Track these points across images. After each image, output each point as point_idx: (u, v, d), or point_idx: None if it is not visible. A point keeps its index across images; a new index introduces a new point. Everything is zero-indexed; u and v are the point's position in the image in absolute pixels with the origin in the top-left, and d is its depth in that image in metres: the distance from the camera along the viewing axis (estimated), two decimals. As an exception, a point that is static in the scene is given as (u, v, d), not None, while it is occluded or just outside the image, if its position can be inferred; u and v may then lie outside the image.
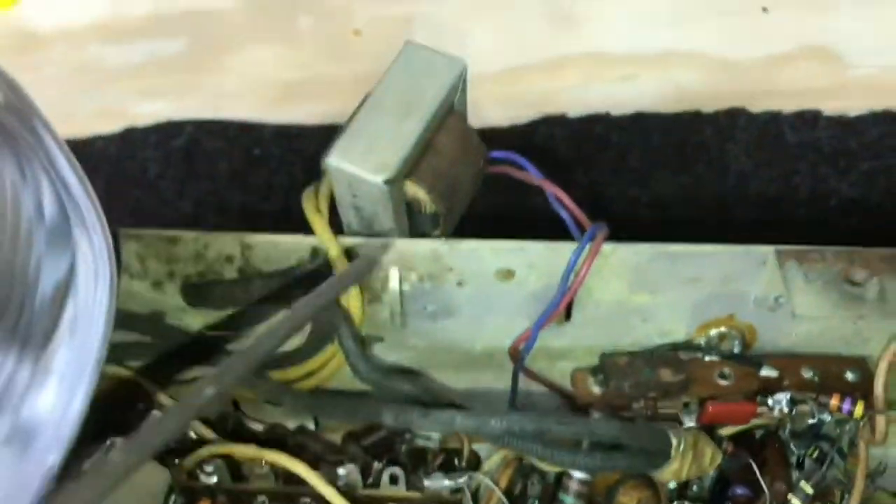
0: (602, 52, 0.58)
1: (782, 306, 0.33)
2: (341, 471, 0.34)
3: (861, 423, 0.33)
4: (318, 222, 0.34)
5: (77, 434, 0.24)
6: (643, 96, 0.56)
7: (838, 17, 0.57)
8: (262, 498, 0.33)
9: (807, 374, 0.33)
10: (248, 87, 0.61)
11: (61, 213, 0.27)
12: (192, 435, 0.36)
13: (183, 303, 0.36)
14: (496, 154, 0.36)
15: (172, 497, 0.33)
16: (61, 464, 0.24)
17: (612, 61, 0.57)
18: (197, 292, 0.35)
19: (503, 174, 0.36)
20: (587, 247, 0.32)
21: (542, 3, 0.60)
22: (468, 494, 0.33)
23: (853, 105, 0.55)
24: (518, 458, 0.34)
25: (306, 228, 0.35)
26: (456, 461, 0.37)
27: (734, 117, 0.55)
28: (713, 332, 0.35)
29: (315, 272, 0.34)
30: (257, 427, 0.38)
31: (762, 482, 0.33)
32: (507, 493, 0.34)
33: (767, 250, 0.32)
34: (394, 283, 0.34)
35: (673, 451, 0.30)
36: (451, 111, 0.34)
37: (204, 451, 0.34)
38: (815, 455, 0.34)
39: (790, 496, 0.32)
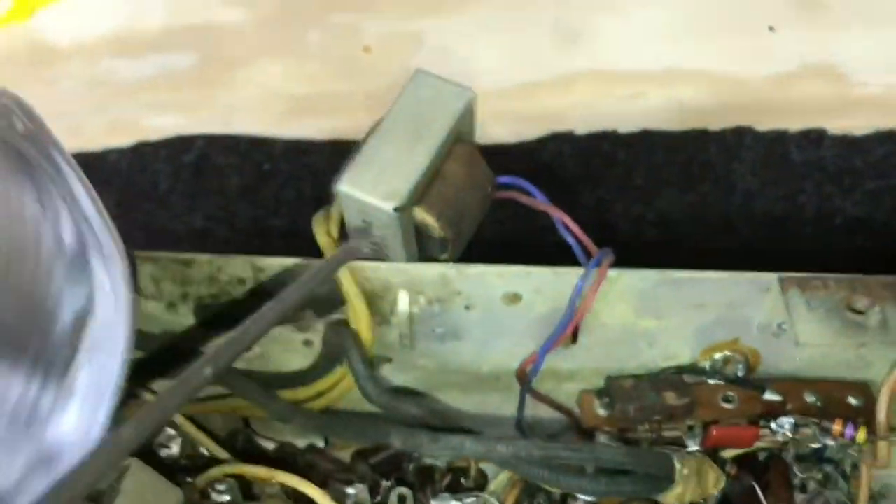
0: (609, 70, 0.58)
1: (785, 332, 0.33)
2: (350, 490, 0.35)
3: (863, 448, 0.33)
4: (329, 247, 0.35)
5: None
6: (650, 114, 0.57)
7: (845, 37, 0.57)
8: (272, 517, 0.34)
9: (810, 398, 0.34)
10: (259, 102, 0.62)
11: (80, 242, 0.27)
12: (205, 452, 0.37)
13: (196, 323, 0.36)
14: (503, 179, 0.36)
15: (184, 516, 0.34)
16: None
17: (619, 79, 0.58)
18: (210, 313, 0.36)
19: (510, 199, 0.36)
20: (593, 272, 0.33)
21: (549, 21, 0.61)
22: (475, 515, 0.34)
23: (859, 124, 0.55)
24: (524, 479, 0.35)
25: (314, 244, 0.36)
26: (463, 480, 0.37)
27: (740, 135, 0.55)
28: (717, 356, 0.35)
29: (325, 295, 0.35)
30: (267, 445, 0.39)
31: (765, 505, 0.33)
32: (514, 513, 0.34)
33: (771, 277, 0.33)
34: (403, 306, 0.35)
35: (677, 476, 0.31)
36: (459, 139, 0.35)
37: (216, 471, 0.35)
38: (818, 478, 0.35)
39: (793, 519, 0.33)
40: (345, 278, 0.33)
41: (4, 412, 0.25)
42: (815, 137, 0.55)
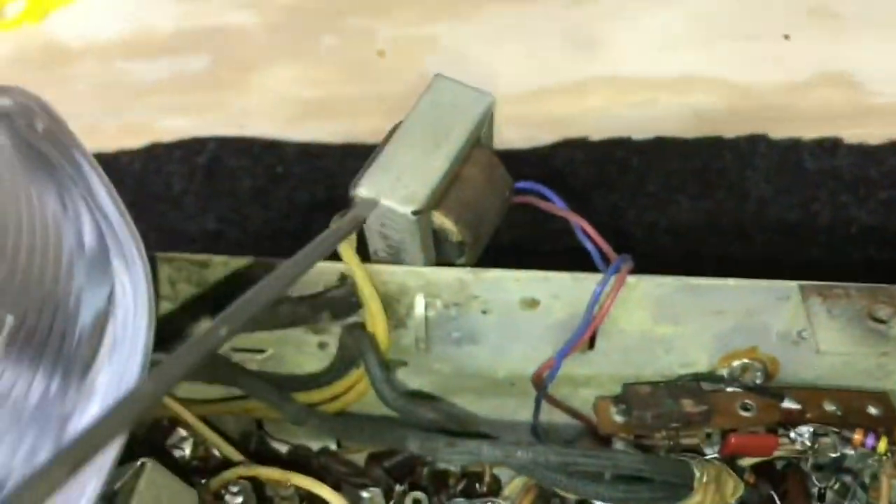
0: (623, 77, 0.58)
1: (805, 340, 0.33)
2: (365, 494, 0.35)
3: (884, 458, 0.33)
4: (346, 249, 0.34)
5: (119, 455, 0.25)
6: (664, 121, 0.57)
7: (860, 46, 0.57)
8: (286, 520, 0.34)
9: (829, 407, 0.33)
10: (272, 105, 0.62)
11: (100, 242, 0.27)
12: (217, 454, 0.37)
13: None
14: (521, 184, 0.36)
15: (198, 518, 0.34)
16: (101, 488, 0.24)
17: (633, 85, 0.58)
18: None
19: (527, 204, 0.36)
20: (612, 278, 0.33)
21: (563, 27, 0.61)
22: (490, 520, 0.33)
23: (873, 133, 0.55)
24: (538, 485, 0.35)
25: (332, 254, 0.36)
26: (477, 486, 0.37)
27: (755, 143, 0.55)
28: (735, 363, 0.35)
29: (342, 297, 0.35)
30: (280, 448, 0.39)
31: (783, 514, 0.33)
32: (528, 519, 0.34)
33: (791, 285, 0.33)
34: (419, 310, 0.35)
35: (696, 483, 0.30)
36: (478, 143, 0.35)
37: (230, 473, 0.34)
38: (836, 488, 0.34)
39: (812, 529, 0.33)
40: (362, 281, 0.33)
41: (26, 410, 0.25)
42: (829, 146, 0.55)
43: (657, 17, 0.60)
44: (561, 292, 0.34)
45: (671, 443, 0.33)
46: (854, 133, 0.55)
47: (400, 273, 0.34)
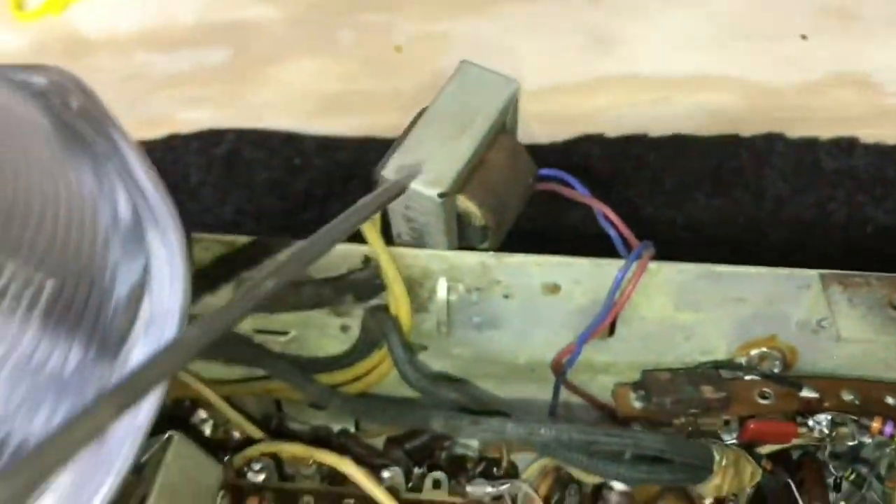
0: (642, 74, 0.59)
1: (825, 329, 0.33)
2: (385, 474, 0.35)
3: (901, 447, 0.33)
4: (371, 231, 0.35)
5: (149, 430, 0.25)
6: (681, 118, 0.57)
7: (877, 46, 0.57)
8: (307, 498, 0.34)
9: (847, 396, 0.34)
10: (290, 98, 0.62)
11: (135, 217, 0.28)
12: (237, 435, 0.37)
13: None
14: (545, 172, 0.37)
15: (220, 493, 0.34)
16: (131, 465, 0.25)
17: (651, 83, 0.58)
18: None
19: (551, 191, 0.37)
20: (634, 264, 0.33)
21: (581, 24, 0.61)
22: (509, 502, 0.34)
23: (890, 133, 0.55)
24: (556, 468, 0.35)
25: (356, 237, 0.36)
26: (494, 470, 0.38)
27: (771, 142, 0.55)
28: (754, 351, 0.35)
29: (366, 280, 0.35)
30: (301, 428, 0.39)
31: (800, 502, 0.33)
32: (546, 502, 0.34)
33: (812, 274, 0.33)
34: (441, 294, 0.35)
35: (716, 467, 0.31)
36: (503, 129, 0.35)
37: (253, 450, 0.35)
38: (852, 478, 0.35)
39: (828, 517, 0.33)
40: (386, 264, 0.34)
41: (62, 381, 0.25)
42: (846, 146, 0.55)
43: (675, 15, 0.60)
44: (582, 278, 0.34)
45: (690, 428, 0.34)
46: (871, 133, 0.55)
47: (423, 256, 0.34)
